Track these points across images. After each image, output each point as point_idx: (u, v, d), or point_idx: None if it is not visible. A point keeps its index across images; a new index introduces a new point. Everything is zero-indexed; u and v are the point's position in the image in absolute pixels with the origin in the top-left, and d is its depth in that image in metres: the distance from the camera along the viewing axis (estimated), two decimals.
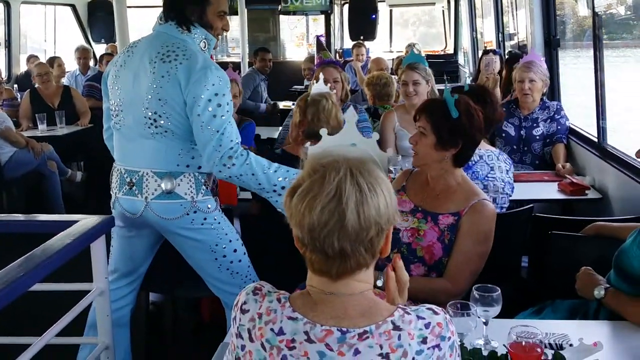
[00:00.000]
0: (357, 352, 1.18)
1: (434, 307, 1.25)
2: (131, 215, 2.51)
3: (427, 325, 1.20)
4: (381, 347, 1.18)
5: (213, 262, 2.54)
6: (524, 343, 1.55)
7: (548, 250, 2.49)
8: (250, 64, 8.06)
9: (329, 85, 3.79)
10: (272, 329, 1.23)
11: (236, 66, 8.35)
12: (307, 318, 1.22)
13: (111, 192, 2.59)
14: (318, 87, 3.31)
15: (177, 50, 2.38)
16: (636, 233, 1.96)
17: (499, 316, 1.82)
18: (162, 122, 2.39)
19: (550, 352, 1.63)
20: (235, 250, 2.57)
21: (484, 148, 2.91)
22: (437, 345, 1.20)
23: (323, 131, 1.37)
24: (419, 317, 1.21)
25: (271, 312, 1.25)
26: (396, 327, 1.20)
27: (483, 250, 2.26)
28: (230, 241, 2.55)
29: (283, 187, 2.40)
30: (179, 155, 2.43)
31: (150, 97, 2.38)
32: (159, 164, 2.43)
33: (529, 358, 1.53)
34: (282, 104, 7.43)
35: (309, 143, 1.40)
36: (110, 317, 2.46)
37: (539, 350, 1.54)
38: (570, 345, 1.74)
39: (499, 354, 1.63)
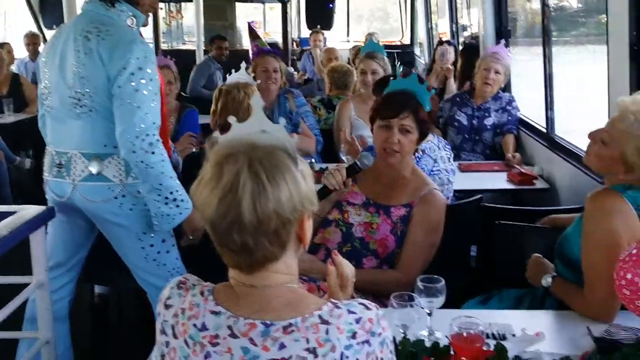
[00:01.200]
0: (282, 346, 1.14)
1: (366, 302, 1.21)
2: (59, 198, 2.42)
3: (357, 320, 1.16)
4: (307, 340, 1.14)
5: (140, 251, 2.46)
6: (465, 334, 1.54)
7: (495, 240, 2.51)
8: (206, 52, 7.94)
9: (252, 74, 3.73)
10: (195, 325, 1.18)
11: (191, 54, 8.25)
12: (231, 312, 1.18)
13: (43, 176, 2.50)
14: (237, 75, 3.25)
15: (102, 26, 2.31)
16: (577, 220, 1.98)
17: (446, 306, 1.81)
18: (86, 101, 2.31)
19: (492, 343, 1.62)
20: (163, 241, 2.48)
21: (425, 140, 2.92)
22: (367, 341, 1.15)
23: (232, 119, 1.31)
24: (349, 312, 1.17)
25: (194, 306, 1.20)
26: (324, 321, 1.15)
27: (434, 240, 2.28)
28: (159, 230, 2.46)
29: (175, 199, 2.33)
30: (106, 135, 2.34)
31: (74, 75, 2.31)
32: (86, 145, 2.36)
33: (470, 349, 1.52)
34: None
35: (217, 132, 1.34)
36: (51, 310, 2.39)
37: (480, 341, 1.53)
38: (513, 335, 1.74)
39: (442, 345, 1.61)
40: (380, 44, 6.11)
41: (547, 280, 1.99)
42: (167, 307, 1.24)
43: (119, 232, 2.45)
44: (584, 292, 1.84)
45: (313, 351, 1.13)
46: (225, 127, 2.83)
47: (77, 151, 2.37)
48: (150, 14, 2.54)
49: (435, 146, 2.94)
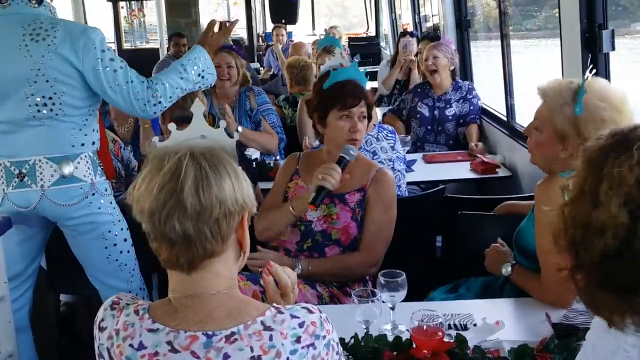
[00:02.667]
0: (226, 356, 1.10)
1: (309, 306, 1.20)
2: (22, 209, 2.35)
3: (301, 325, 1.15)
4: (252, 349, 1.11)
5: (103, 251, 2.45)
6: (425, 327, 1.55)
7: (458, 230, 2.53)
8: (169, 50, 7.85)
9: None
10: (131, 345, 1.14)
11: (155, 53, 8.14)
12: (169, 327, 1.14)
13: None
14: None
15: (42, 25, 2.26)
16: (530, 211, 2.00)
17: (413, 297, 1.83)
18: (54, 103, 2.28)
19: (454, 334, 1.64)
20: (125, 240, 2.49)
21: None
22: (312, 344, 1.14)
23: (171, 126, 1.30)
24: (292, 316, 1.16)
25: (128, 326, 1.16)
26: (267, 327, 1.13)
27: (392, 216, 2.32)
28: (122, 229, 2.47)
29: (201, 72, 2.46)
30: (72, 135, 2.33)
31: (34, 81, 2.25)
32: (52, 149, 2.32)
33: (431, 342, 1.54)
34: None
35: (156, 138, 1.33)
36: (13, 323, 2.35)
37: (440, 334, 1.54)
38: (475, 325, 1.77)
39: (404, 339, 1.62)
40: (345, 36, 6.12)
41: (506, 269, 2.01)
42: (101, 329, 1.20)
43: (85, 233, 2.43)
44: (540, 279, 1.88)
45: (258, 358, 1.11)
46: (181, 120, 2.82)
47: (42, 157, 2.31)
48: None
49: (373, 138, 2.94)
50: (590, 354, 1.10)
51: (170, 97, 2.38)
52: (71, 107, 2.30)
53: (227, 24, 2.74)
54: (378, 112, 4.15)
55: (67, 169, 2.32)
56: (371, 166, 2.38)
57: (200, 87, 2.52)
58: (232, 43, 4.88)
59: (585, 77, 1.83)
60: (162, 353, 1.12)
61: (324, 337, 1.17)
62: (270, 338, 1.12)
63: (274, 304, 1.20)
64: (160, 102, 2.35)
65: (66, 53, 2.23)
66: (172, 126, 1.30)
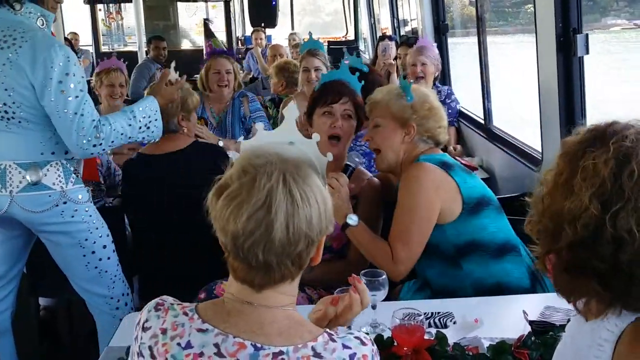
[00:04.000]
0: None
1: (362, 336, 1.16)
2: None
3: (352, 356, 1.10)
4: None
5: (81, 259, 2.43)
6: (406, 325, 1.58)
7: None
8: (147, 53, 7.82)
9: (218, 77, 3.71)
10: (178, 344, 1.12)
11: (133, 56, 8.11)
12: (219, 329, 1.12)
13: None
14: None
15: (14, 33, 2.22)
16: None
17: (388, 298, 1.86)
18: (14, 112, 2.24)
19: (434, 332, 1.67)
20: (104, 247, 2.46)
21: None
22: None
23: (259, 125, 1.25)
24: (344, 346, 1.11)
25: (178, 326, 1.14)
26: (317, 354, 1.09)
27: (380, 222, 2.34)
28: (100, 236, 2.44)
29: (148, 123, 2.45)
30: (41, 143, 2.30)
31: None
32: (21, 155, 2.29)
33: (412, 340, 1.56)
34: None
35: (241, 137, 1.35)
36: None
37: (420, 331, 1.57)
38: (455, 322, 1.80)
39: (385, 338, 1.65)
40: (324, 40, 6.15)
41: (353, 219, 2.09)
42: (144, 329, 1.18)
43: (60, 241, 2.40)
44: (393, 251, 2.02)
45: None
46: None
47: (12, 162, 2.29)
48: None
49: None
50: (569, 345, 1.14)
51: (113, 142, 2.34)
52: (35, 117, 2.26)
53: (177, 80, 2.70)
54: None
55: (34, 176, 2.29)
56: (360, 174, 2.37)
57: (143, 138, 2.48)
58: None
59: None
60: (208, 355, 1.10)
61: None
62: None
63: (327, 330, 1.16)
64: (101, 144, 2.29)
65: (25, 65, 2.19)
66: (259, 125, 1.26)
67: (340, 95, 2.32)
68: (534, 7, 2.61)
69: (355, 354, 1.11)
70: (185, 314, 1.15)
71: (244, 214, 1.08)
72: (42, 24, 2.30)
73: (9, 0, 2.23)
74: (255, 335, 1.11)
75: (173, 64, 2.97)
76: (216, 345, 1.10)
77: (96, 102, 4.02)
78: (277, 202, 1.08)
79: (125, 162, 2.90)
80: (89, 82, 4.29)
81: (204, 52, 5.36)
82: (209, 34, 5.11)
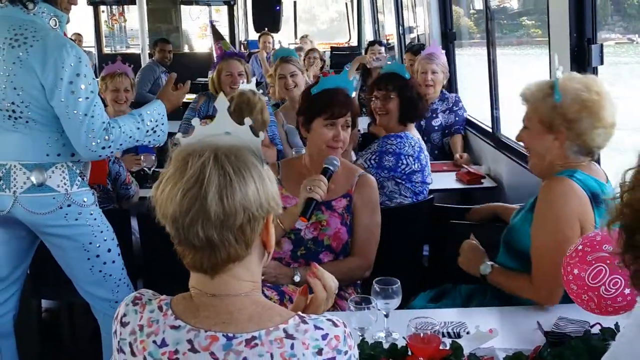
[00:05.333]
0: None
1: (335, 318, 1.17)
2: None
3: (324, 337, 1.12)
4: (272, 355, 1.09)
5: (85, 263, 2.40)
6: (422, 335, 1.56)
7: (446, 239, 2.55)
8: (150, 56, 7.82)
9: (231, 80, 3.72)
10: (154, 341, 1.14)
11: (136, 58, 8.10)
12: (190, 324, 1.13)
13: None
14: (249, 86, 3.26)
15: (26, 32, 2.20)
16: (524, 211, 2.04)
17: (400, 307, 1.84)
18: (22, 112, 2.22)
19: (448, 342, 1.65)
20: (109, 250, 2.43)
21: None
22: (333, 358, 1.12)
23: (195, 121, 1.25)
24: (316, 327, 1.13)
25: (153, 323, 1.15)
26: (289, 336, 1.11)
27: (377, 220, 2.37)
28: (105, 240, 2.41)
29: (155, 127, 2.44)
30: (47, 144, 2.27)
31: (4, 87, 2.20)
32: (26, 156, 2.27)
33: (427, 349, 1.55)
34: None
35: (179, 134, 1.32)
36: None
37: (436, 341, 1.56)
38: (468, 332, 1.78)
39: (399, 347, 1.63)
40: (326, 46, 6.21)
41: (485, 269, 2.03)
42: (123, 324, 1.19)
43: (64, 244, 2.38)
44: (533, 276, 1.90)
45: None
46: None
47: (17, 162, 2.27)
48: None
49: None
50: (626, 349, 1.09)
51: (121, 145, 2.33)
52: (42, 117, 2.24)
53: (182, 85, 2.69)
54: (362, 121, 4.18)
55: (39, 178, 2.27)
56: (353, 171, 2.41)
57: (150, 142, 2.47)
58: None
59: (557, 69, 1.95)
60: (182, 352, 1.11)
61: (346, 352, 1.14)
62: (292, 347, 1.10)
63: (299, 313, 1.17)
64: (110, 147, 2.28)
65: (35, 65, 2.17)
66: (195, 121, 1.24)
67: (346, 109, 2.33)
68: (548, 17, 2.61)
69: (327, 334, 1.13)
70: (160, 308, 1.17)
71: (178, 193, 1.10)
72: (55, 24, 2.28)
73: (27, 2, 2.21)
74: (226, 326, 1.12)
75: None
76: (189, 341, 1.12)
77: (105, 105, 4.05)
78: (208, 176, 1.10)
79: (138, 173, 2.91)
80: None
81: (214, 54, 5.36)
82: (217, 36, 5.10)
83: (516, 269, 2.00)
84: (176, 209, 1.11)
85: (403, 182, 2.94)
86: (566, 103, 1.89)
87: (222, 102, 1.29)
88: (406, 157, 2.93)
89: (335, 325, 1.15)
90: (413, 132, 3.08)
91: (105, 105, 3.99)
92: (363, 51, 10.99)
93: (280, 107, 4.26)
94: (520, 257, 2.00)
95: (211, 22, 6.45)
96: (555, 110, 1.91)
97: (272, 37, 8.73)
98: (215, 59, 4.41)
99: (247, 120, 1.25)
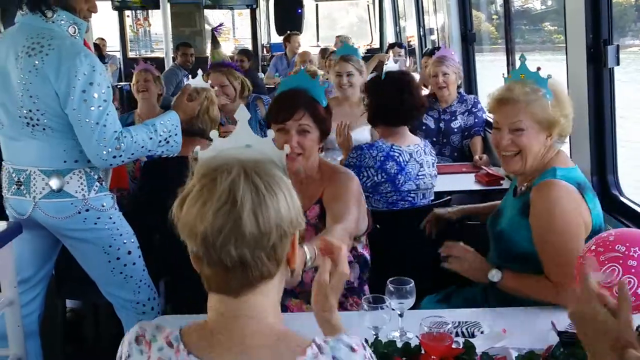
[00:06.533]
0: None
1: (353, 342, 1.10)
2: (20, 216, 2.39)
3: None
4: None
5: (106, 265, 2.45)
6: (435, 333, 1.58)
7: (462, 240, 2.55)
8: (174, 60, 7.92)
9: (215, 88, 3.73)
10: None
11: (160, 62, 8.21)
12: (204, 359, 1.07)
13: (2, 193, 2.46)
14: (193, 82, 3.10)
15: (42, 40, 2.23)
16: (516, 216, 2.07)
17: (415, 307, 1.85)
18: (38, 119, 2.26)
19: (461, 341, 1.66)
20: (129, 252, 2.48)
21: (412, 143, 2.91)
22: None
23: (214, 134, 1.20)
24: (334, 358, 1.07)
25: None
26: None
27: (355, 212, 2.10)
28: (125, 242, 2.46)
29: (168, 137, 2.45)
30: (64, 151, 2.32)
31: (21, 95, 2.24)
32: (44, 162, 2.32)
33: (440, 348, 1.56)
34: None
35: (198, 147, 1.24)
36: (22, 327, 2.36)
37: (449, 340, 1.57)
38: (482, 332, 1.79)
39: (412, 346, 1.65)
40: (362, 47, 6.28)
41: (495, 275, 2.02)
42: None
43: (84, 247, 2.43)
44: (551, 279, 1.92)
45: None
46: (194, 134, 2.85)
47: (36, 168, 2.32)
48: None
49: (422, 150, 2.92)
50: None
51: (132, 154, 2.35)
52: (59, 124, 2.28)
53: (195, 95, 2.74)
54: None
55: (57, 184, 2.31)
56: (321, 175, 2.22)
57: (162, 152, 2.48)
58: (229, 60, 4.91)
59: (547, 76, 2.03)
60: None
61: None
62: None
63: (315, 340, 1.09)
64: (120, 156, 2.30)
65: (49, 73, 2.20)
66: (214, 134, 1.20)
67: (293, 109, 2.12)
68: (564, 18, 2.60)
69: None
70: (170, 344, 1.10)
71: (209, 211, 1.04)
72: (74, 32, 2.31)
73: (41, 8, 2.25)
74: (240, 353, 1.07)
75: (200, 72, 3.02)
76: None
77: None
78: (241, 193, 1.04)
79: (145, 161, 2.96)
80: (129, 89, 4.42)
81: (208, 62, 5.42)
82: (214, 44, 5.13)
83: (522, 271, 2.01)
84: (207, 228, 1.04)
85: (371, 195, 2.84)
86: (560, 100, 2.01)
87: (242, 114, 1.24)
88: (366, 169, 2.81)
89: (354, 350, 1.09)
90: (400, 139, 2.87)
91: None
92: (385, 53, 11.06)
93: (329, 100, 4.29)
94: (517, 260, 2.04)
95: (213, 29, 6.49)
96: (555, 110, 1.99)
97: (299, 38, 8.81)
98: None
99: (270, 133, 1.22)
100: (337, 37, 8.51)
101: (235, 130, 1.21)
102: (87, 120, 2.23)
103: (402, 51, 5.78)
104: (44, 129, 2.28)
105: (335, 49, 7.08)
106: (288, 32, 9.51)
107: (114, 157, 2.28)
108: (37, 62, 2.21)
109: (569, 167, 2.05)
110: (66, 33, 2.29)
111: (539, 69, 2.05)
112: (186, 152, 2.79)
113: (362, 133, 3.70)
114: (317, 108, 2.17)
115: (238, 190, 1.04)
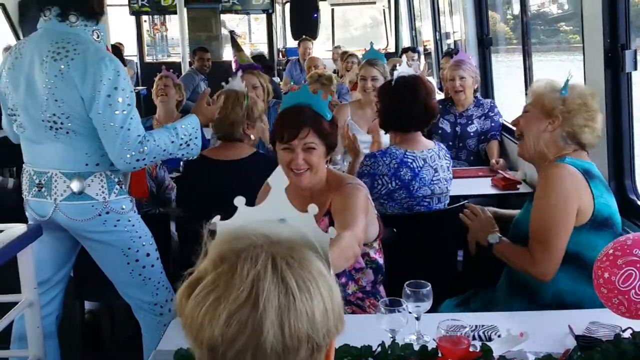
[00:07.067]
0: None
1: None
2: (40, 217, 2.42)
3: None
4: None
5: (125, 267, 2.48)
6: (452, 337, 1.58)
7: (480, 244, 2.55)
8: (190, 64, 7.98)
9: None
10: None
11: (177, 67, 8.28)
12: None
13: (22, 195, 2.49)
14: (235, 84, 3.13)
15: (68, 45, 2.27)
16: (526, 204, 2.22)
17: (432, 310, 1.86)
18: (62, 123, 2.30)
19: (478, 344, 1.67)
20: (148, 255, 2.50)
21: (426, 147, 2.90)
22: None
23: (239, 200, 0.97)
24: None
25: None
26: None
27: (357, 218, 2.04)
28: (144, 245, 2.49)
29: (188, 141, 2.48)
30: (87, 154, 2.35)
31: (46, 99, 2.28)
32: (66, 165, 2.35)
33: (457, 351, 1.57)
34: None
35: (218, 217, 0.98)
36: (41, 328, 2.39)
37: (466, 342, 1.58)
38: (499, 336, 1.79)
39: (429, 349, 1.66)
40: (360, 52, 6.29)
41: (494, 237, 2.19)
42: None
43: (104, 249, 2.46)
44: (531, 252, 2.05)
45: None
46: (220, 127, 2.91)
47: (58, 171, 2.35)
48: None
49: (436, 155, 2.91)
50: None
51: (155, 157, 2.38)
52: (83, 128, 2.31)
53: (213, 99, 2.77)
54: None
55: (78, 186, 2.34)
56: (329, 185, 2.20)
57: (182, 155, 2.52)
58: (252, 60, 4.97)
59: (569, 77, 2.16)
60: None
61: None
62: None
63: None
64: (144, 159, 2.32)
65: (75, 78, 2.23)
66: (240, 201, 0.98)
67: (297, 129, 2.08)
68: (582, 23, 2.60)
69: None
70: None
71: (223, 313, 0.80)
72: (97, 37, 2.36)
73: (68, 15, 2.30)
74: None
75: (239, 73, 3.07)
76: None
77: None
78: (265, 294, 0.81)
79: (186, 161, 2.99)
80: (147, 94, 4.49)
81: (233, 66, 5.48)
82: (236, 47, 5.17)
83: None
84: (217, 336, 0.81)
85: (386, 202, 2.84)
86: (571, 97, 2.11)
87: (278, 179, 1.00)
88: (380, 177, 2.80)
89: None
90: (413, 145, 2.85)
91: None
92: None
93: (349, 102, 4.35)
94: (523, 243, 2.13)
95: (231, 32, 6.57)
96: (559, 100, 2.12)
97: (312, 44, 8.84)
98: (233, 70, 4.48)
99: (312, 208, 0.96)
100: (334, 47, 8.60)
101: (268, 198, 0.99)
102: (112, 124, 2.26)
103: (416, 55, 5.78)
104: (67, 132, 2.31)
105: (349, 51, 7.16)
106: (303, 36, 9.56)
107: (137, 160, 2.31)
108: (62, 67, 2.25)
109: (583, 159, 2.13)
110: (90, 38, 2.34)
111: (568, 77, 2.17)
112: (226, 157, 2.91)
113: (386, 137, 3.72)
114: (321, 124, 2.13)
115: (262, 288, 0.81)
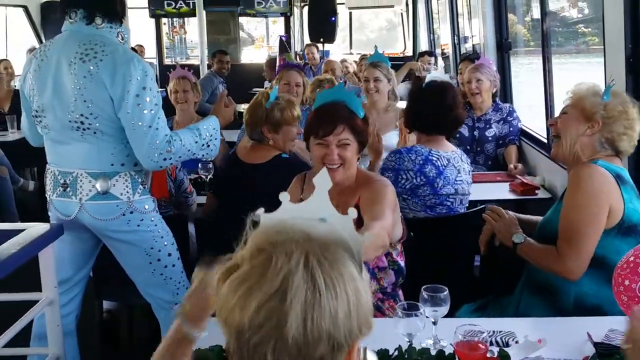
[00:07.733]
0: None
1: None
2: (65, 217, 2.45)
3: None
4: None
5: (147, 266, 2.51)
6: (469, 342, 1.58)
7: (497, 249, 2.54)
8: (209, 67, 8.03)
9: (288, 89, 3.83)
10: None
11: (195, 69, 8.34)
12: None
13: (46, 195, 2.53)
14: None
15: (96, 47, 2.32)
16: (556, 204, 2.20)
17: (449, 315, 1.86)
18: (90, 123, 2.34)
19: (496, 350, 1.66)
20: (169, 255, 2.54)
21: (450, 149, 2.93)
22: None
23: (284, 196, 1.01)
24: None
25: None
26: None
27: (384, 212, 2.08)
28: (166, 245, 2.53)
29: (209, 141, 2.53)
30: (112, 154, 2.39)
31: (74, 99, 2.32)
32: (92, 165, 2.39)
33: (474, 356, 1.57)
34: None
35: (262, 209, 1.01)
36: (61, 326, 2.42)
37: (483, 348, 1.57)
38: (517, 342, 1.79)
39: (446, 353, 1.66)
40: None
41: (519, 237, 2.18)
42: None
43: (127, 248, 2.50)
44: (559, 250, 2.04)
45: None
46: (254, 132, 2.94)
47: (83, 170, 2.39)
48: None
49: (459, 157, 2.94)
50: None
51: (180, 157, 2.43)
52: (110, 128, 2.35)
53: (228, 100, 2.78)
54: None
55: (103, 186, 2.38)
56: (357, 182, 2.24)
57: (203, 155, 2.56)
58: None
59: (611, 83, 2.19)
60: None
61: None
62: None
63: None
64: (170, 158, 2.37)
65: (105, 79, 2.28)
66: (284, 197, 1.02)
67: (333, 125, 2.15)
68: (603, 28, 2.58)
69: None
70: None
71: (253, 302, 0.87)
72: (122, 39, 2.41)
73: (96, 18, 2.35)
74: None
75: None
76: None
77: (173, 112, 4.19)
78: (294, 288, 0.86)
79: (222, 158, 3.18)
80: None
81: (277, 65, 5.60)
82: (284, 49, 5.34)
83: None
84: (245, 322, 0.87)
85: (409, 197, 2.85)
86: (612, 103, 2.10)
87: (323, 180, 1.02)
88: (405, 172, 2.83)
89: None
90: (438, 145, 2.88)
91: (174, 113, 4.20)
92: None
93: None
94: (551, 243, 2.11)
95: (281, 37, 6.70)
96: (600, 105, 2.10)
97: (317, 48, 8.85)
98: (277, 69, 4.61)
99: (352, 212, 0.99)
100: (361, 57, 8.61)
101: (312, 196, 1.01)
102: (140, 123, 2.30)
103: (432, 59, 5.77)
104: (94, 133, 2.35)
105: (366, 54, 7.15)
106: (321, 40, 9.57)
107: (165, 159, 2.36)
108: (91, 68, 2.29)
109: (615, 164, 2.11)
110: (116, 40, 2.39)
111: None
112: (251, 159, 2.96)
113: (390, 139, 3.72)
114: (355, 121, 2.20)
115: (291, 282, 0.87)
